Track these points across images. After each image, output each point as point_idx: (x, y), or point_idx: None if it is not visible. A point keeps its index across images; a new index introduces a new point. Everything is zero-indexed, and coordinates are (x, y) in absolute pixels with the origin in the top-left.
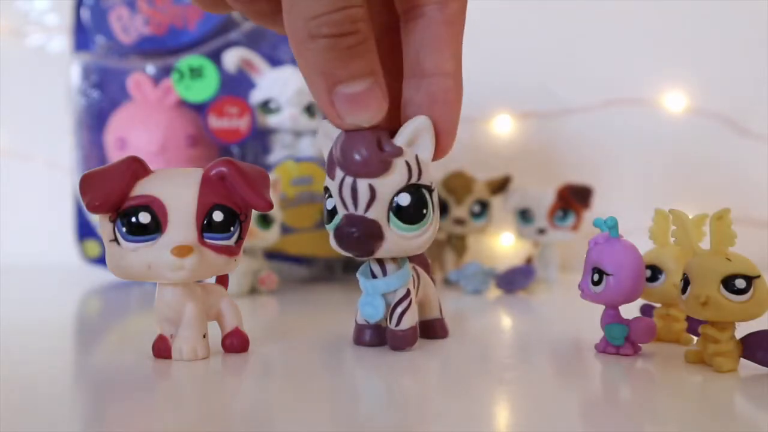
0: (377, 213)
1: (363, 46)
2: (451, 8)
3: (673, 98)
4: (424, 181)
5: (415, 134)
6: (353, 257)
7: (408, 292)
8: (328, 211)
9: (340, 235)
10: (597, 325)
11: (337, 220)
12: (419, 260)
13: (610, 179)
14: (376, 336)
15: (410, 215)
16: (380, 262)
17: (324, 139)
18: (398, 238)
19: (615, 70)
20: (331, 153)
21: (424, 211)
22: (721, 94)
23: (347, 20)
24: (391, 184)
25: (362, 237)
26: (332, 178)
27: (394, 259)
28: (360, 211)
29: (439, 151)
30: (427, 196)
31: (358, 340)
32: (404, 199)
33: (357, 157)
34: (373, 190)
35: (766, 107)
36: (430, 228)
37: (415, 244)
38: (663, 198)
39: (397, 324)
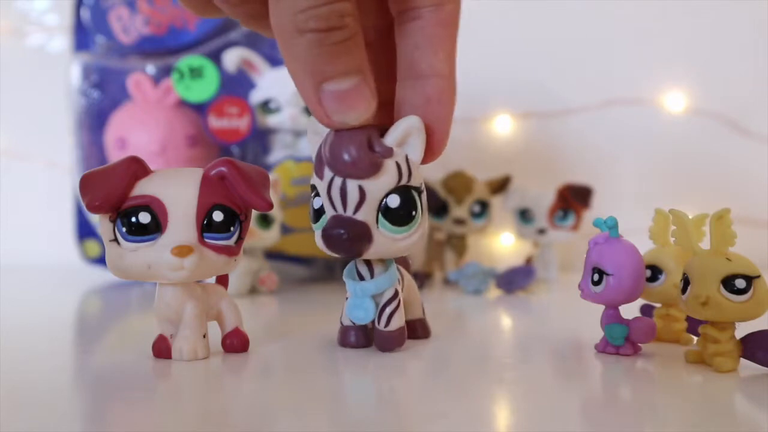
0: (366, 214)
1: (351, 42)
2: (447, 10)
3: (673, 98)
4: (413, 182)
5: (405, 134)
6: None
7: (396, 293)
8: (315, 210)
9: (329, 237)
10: (597, 325)
11: (323, 220)
12: (401, 260)
13: (610, 179)
14: (363, 337)
15: (399, 217)
16: (368, 263)
17: (313, 136)
18: (387, 240)
19: (615, 70)
20: (319, 152)
21: (413, 213)
22: (721, 94)
23: (334, 14)
24: (381, 185)
25: (351, 239)
26: (320, 177)
27: (381, 260)
28: (349, 212)
29: (433, 153)
30: (416, 197)
31: (344, 341)
32: (394, 201)
33: (347, 157)
34: (362, 192)
35: (766, 107)
36: (419, 230)
37: (404, 245)
38: (663, 198)
39: (386, 325)
